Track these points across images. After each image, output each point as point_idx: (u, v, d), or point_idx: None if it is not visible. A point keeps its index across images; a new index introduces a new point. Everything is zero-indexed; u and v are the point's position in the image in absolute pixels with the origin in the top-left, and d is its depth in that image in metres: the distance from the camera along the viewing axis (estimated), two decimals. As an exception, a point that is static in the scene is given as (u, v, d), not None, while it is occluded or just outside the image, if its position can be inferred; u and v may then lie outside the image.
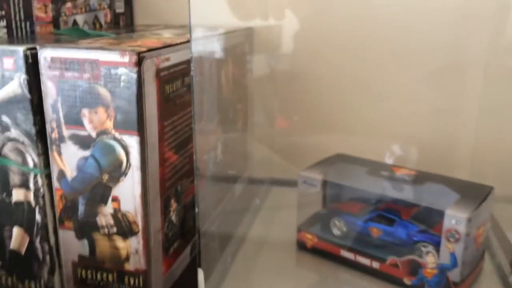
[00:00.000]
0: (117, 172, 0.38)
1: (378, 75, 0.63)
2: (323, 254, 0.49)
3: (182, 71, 0.43)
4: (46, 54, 0.36)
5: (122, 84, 0.36)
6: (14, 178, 0.39)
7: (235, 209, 0.60)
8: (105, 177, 0.38)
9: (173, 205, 0.44)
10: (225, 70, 0.57)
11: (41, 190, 0.39)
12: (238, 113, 0.67)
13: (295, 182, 0.69)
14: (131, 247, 0.39)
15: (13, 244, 0.40)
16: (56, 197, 0.39)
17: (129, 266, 0.39)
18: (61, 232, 0.40)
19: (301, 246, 0.51)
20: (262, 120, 0.72)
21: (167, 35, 0.49)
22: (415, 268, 0.44)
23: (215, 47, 0.51)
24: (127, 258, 0.39)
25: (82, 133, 0.38)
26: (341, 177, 0.50)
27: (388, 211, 0.47)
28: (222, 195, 0.60)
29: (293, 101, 0.69)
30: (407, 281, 0.44)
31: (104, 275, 0.40)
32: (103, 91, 0.36)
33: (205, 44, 0.46)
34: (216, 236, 0.49)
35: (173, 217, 0.44)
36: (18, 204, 0.39)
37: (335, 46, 0.65)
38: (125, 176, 0.38)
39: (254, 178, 0.69)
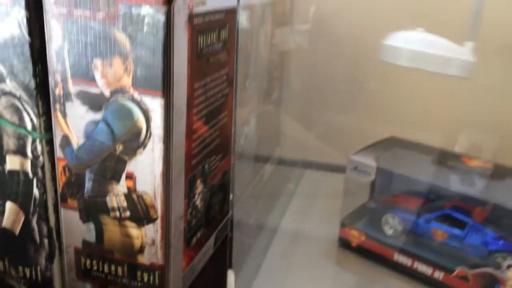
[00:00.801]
0: (134, 142, 0.30)
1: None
2: (371, 255, 0.41)
3: (219, 22, 0.35)
4: (50, -15, 0.28)
5: (145, 28, 0.28)
6: (9, 142, 0.32)
7: (265, 194, 0.53)
8: (119, 147, 0.30)
9: (199, 187, 0.36)
10: (264, 29, 0.48)
11: (41, 158, 0.31)
12: (274, 82, 0.58)
13: (332, 167, 0.60)
14: (146, 236, 0.32)
15: (5, 221, 0.33)
16: (59, 169, 0.32)
17: (143, 259, 0.32)
18: (63, 212, 0.33)
19: (344, 243, 0.43)
20: (299, 93, 0.63)
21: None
22: (490, 283, 0.35)
23: None
24: (141, 250, 0.32)
25: (93, 90, 0.30)
26: (399, 165, 0.42)
27: (457, 211, 0.39)
28: (251, 177, 0.53)
29: (336, 74, 0.61)
30: (478, 298, 0.36)
31: (113, 267, 0.33)
32: (121, 37, 0.28)
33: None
34: (245, 227, 0.41)
35: (198, 201, 0.36)
36: (13, 173, 0.32)
37: (387, 12, 0.55)
38: (144, 148, 0.30)
39: (286, 159, 0.61)
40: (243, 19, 0.35)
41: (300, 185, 0.57)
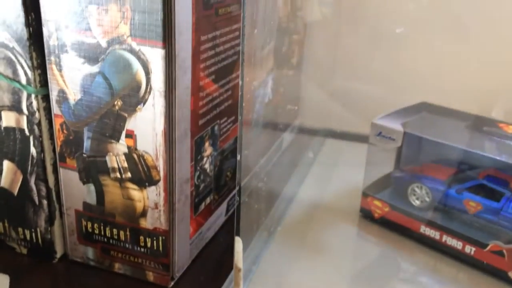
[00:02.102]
0: (134, 97, 0.28)
1: (470, 8, 0.49)
2: (395, 227, 0.38)
3: (230, -32, 0.32)
4: None
5: (142, -34, 0.25)
6: (3, 97, 0.30)
7: (283, 162, 0.50)
8: (118, 103, 0.28)
9: (208, 149, 0.34)
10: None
11: (37, 115, 0.29)
12: (293, 46, 0.54)
13: (355, 136, 0.57)
14: (149, 199, 0.29)
15: (3, 181, 0.32)
16: (56, 126, 0.30)
17: (146, 224, 0.30)
18: (62, 172, 0.31)
19: (367, 214, 0.40)
20: (321, 58, 0.59)
21: None
22: (528, 260, 0.32)
23: None
24: (143, 213, 0.30)
25: (89, 40, 0.27)
26: (429, 131, 0.38)
27: (493, 181, 0.35)
28: (268, 144, 0.50)
29: (361, 39, 0.56)
30: (513, 276, 0.32)
31: (115, 231, 0.31)
32: (116, -23, 0.25)
33: None
34: (259, 195, 0.39)
35: (207, 165, 0.34)
36: (9, 130, 0.30)
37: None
38: (144, 104, 0.28)
39: (306, 127, 0.58)
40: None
41: (321, 154, 0.54)
